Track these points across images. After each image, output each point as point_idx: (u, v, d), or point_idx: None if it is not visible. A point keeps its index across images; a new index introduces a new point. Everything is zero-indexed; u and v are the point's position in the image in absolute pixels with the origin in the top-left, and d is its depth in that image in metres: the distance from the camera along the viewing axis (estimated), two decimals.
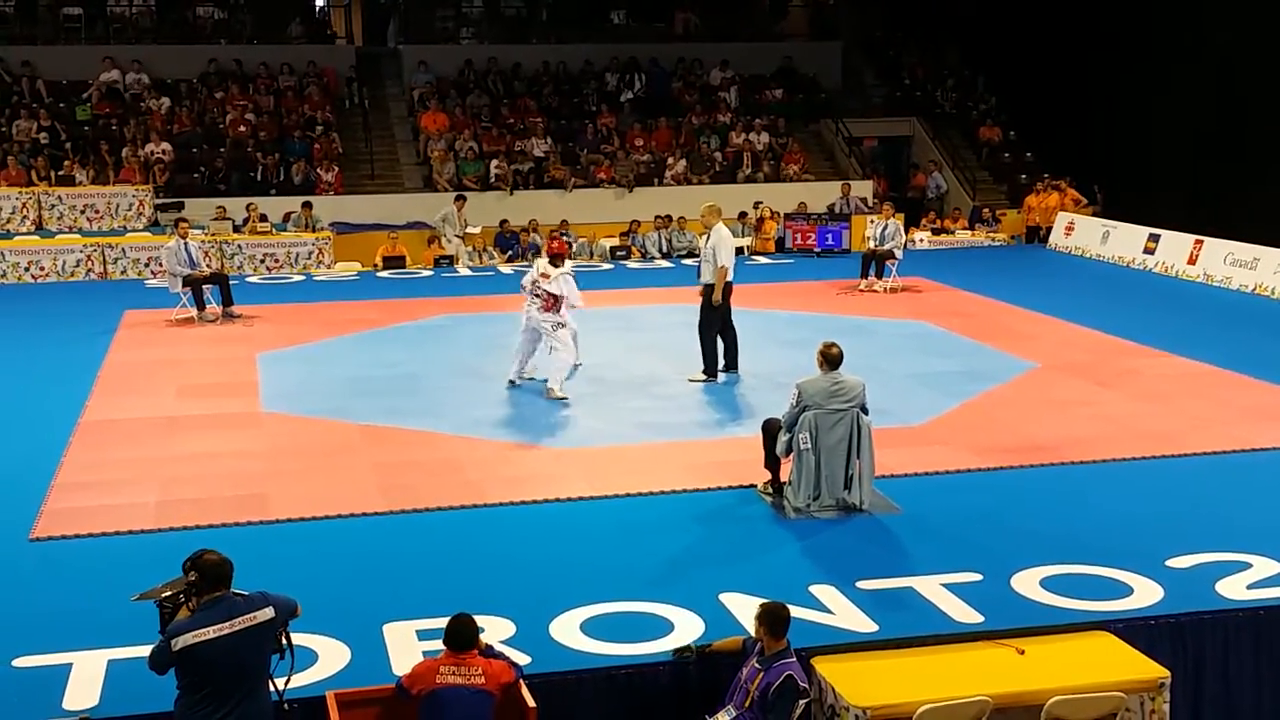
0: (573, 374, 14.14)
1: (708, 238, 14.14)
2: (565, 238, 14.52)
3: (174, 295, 18.45)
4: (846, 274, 21.37)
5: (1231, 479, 10.99)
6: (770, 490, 10.44)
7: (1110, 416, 12.91)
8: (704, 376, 14.26)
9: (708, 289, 14.09)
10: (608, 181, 26.17)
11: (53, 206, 23.36)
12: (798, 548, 9.50)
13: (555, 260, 13.85)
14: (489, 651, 6.99)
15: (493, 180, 25.68)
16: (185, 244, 18.36)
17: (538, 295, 13.65)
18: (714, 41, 30.58)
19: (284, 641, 6.45)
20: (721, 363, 14.38)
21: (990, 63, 30.82)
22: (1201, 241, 21.85)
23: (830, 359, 9.95)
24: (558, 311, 13.74)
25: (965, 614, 8.21)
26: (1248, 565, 8.91)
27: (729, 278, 14.07)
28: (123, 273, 22.45)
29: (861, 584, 8.70)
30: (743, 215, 25.31)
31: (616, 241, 24.49)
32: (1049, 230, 25.92)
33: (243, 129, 25.95)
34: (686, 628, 8.01)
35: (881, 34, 32.16)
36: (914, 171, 29.32)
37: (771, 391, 13.56)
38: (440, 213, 24.19)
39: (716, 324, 14.24)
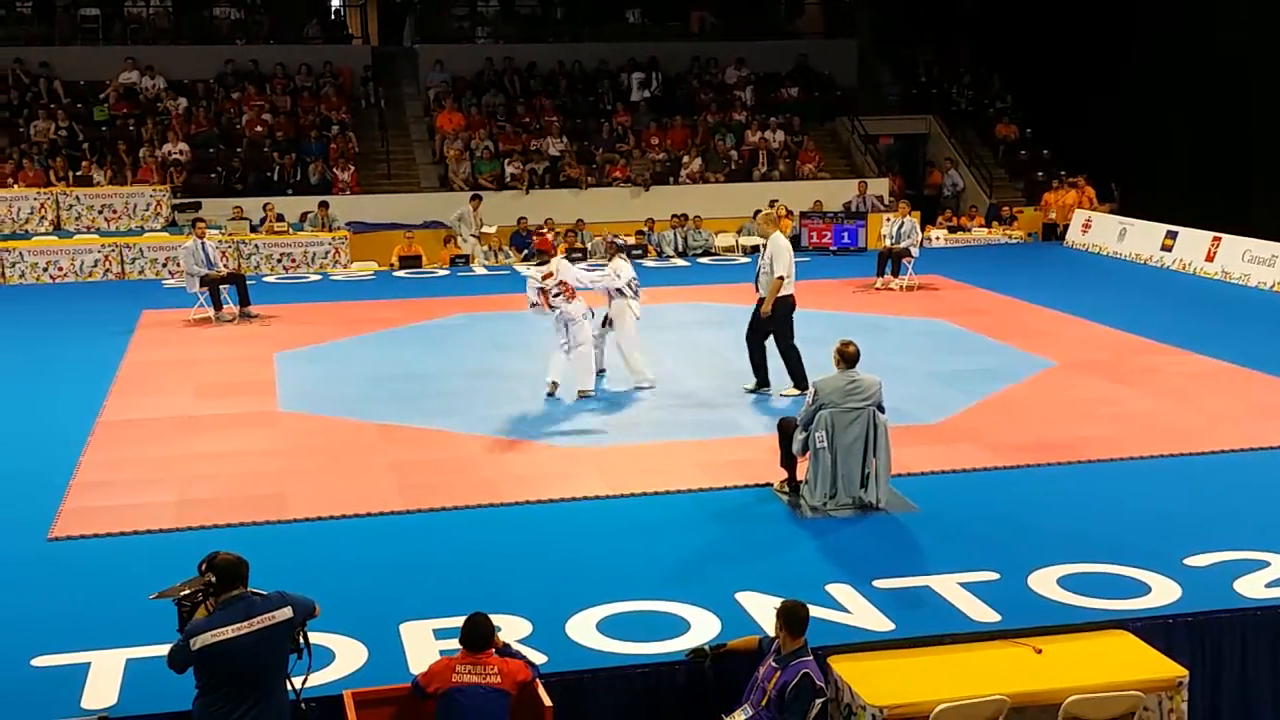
0: (599, 380, 14.16)
1: (764, 247, 13.67)
2: (546, 233, 14.60)
3: (191, 295, 18.52)
4: (863, 272, 21.35)
5: (1250, 477, 10.94)
6: (786, 489, 10.44)
7: (1128, 415, 12.86)
8: (796, 390, 13.39)
9: (776, 302, 13.46)
10: (623, 180, 26.19)
11: (70, 207, 23.47)
12: (814, 546, 9.50)
13: (542, 259, 13.57)
14: (505, 650, 7.00)
15: (508, 179, 25.70)
16: (202, 244, 18.43)
17: (559, 295, 13.43)
18: (729, 40, 30.57)
19: (302, 641, 6.47)
20: (754, 380, 13.77)
21: (1006, 60, 30.75)
22: (1219, 238, 21.76)
23: (847, 357, 9.94)
24: (577, 300, 13.55)
25: (982, 613, 8.19)
26: (1266, 564, 8.87)
27: (786, 291, 13.40)
28: (140, 273, 22.54)
29: (878, 583, 8.69)
30: (758, 214, 25.24)
31: (632, 240, 24.48)
32: (1066, 228, 25.85)
33: (259, 129, 26.03)
34: (703, 627, 8.01)
35: (897, 32, 32.08)
36: (930, 169, 29.28)
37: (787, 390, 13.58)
38: (456, 212, 24.23)
39: (784, 336, 13.58)
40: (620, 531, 9.86)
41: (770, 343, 13.76)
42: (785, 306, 13.55)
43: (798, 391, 13.39)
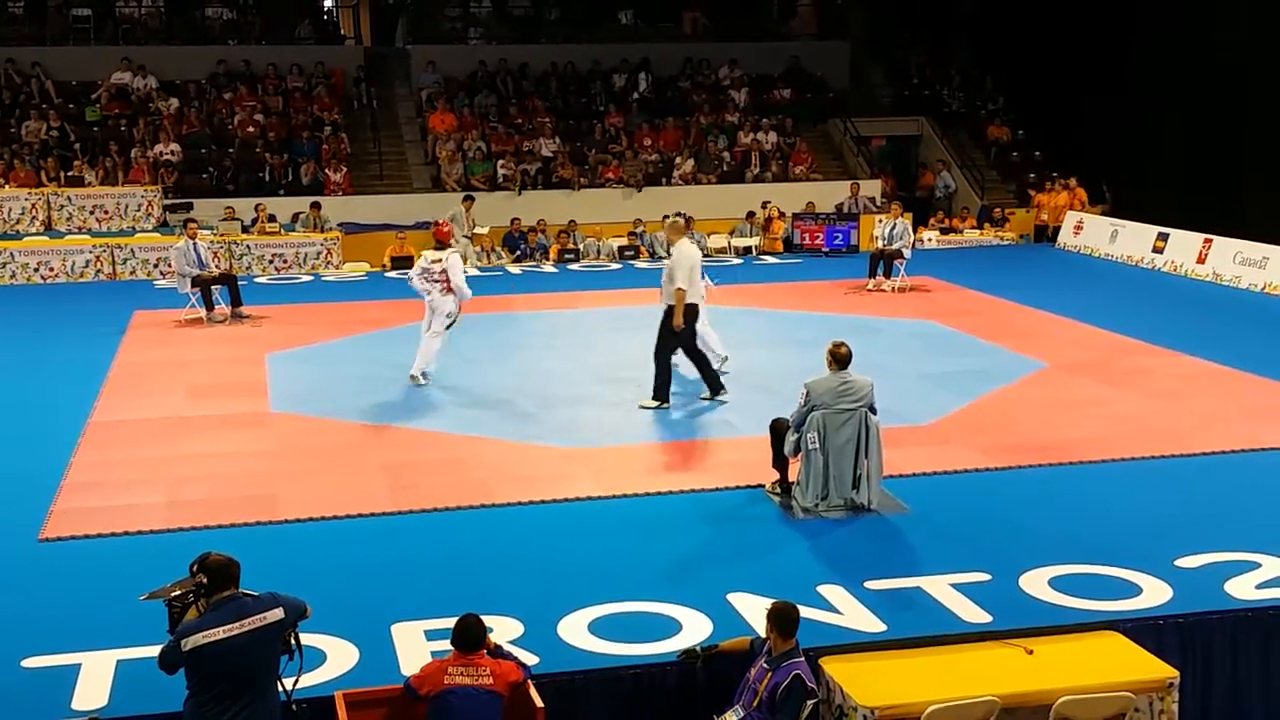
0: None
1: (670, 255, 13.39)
2: (444, 225, 15.31)
3: (183, 296, 18.49)
4: (854, 273, 21.36)
5: (1240, 478, 10.96)
6: (778, 490, 10.44)
7: (1119, 416, 12.89)
8: (654, 403, 13.33)
9: (668, 311, 13.18)
10: (616, 181, 26.19)
11: (62, 207, 23.43)
12: (806, 547, 9.50)
13: (440, 245, 14.70)
14: (497, 652, 7.00)
15: (501, 180, 25.69)
16: (194, 244, 18.39)
17: (436, 281, 14.21)
18: (722, 41, 30.58)
19: (293, 642, 6.46)
20: (707, 390, 13.50)
21: (998, 61, 30.80)
22: (1210, 240, 21.81)
23: (839, 358, 9.94)
24: (450, 295, 14.28)
25: (974, 614, 8.20)
26: (1257, 565, 8.89)
27: (691, 300, 13.07)
28: (132, 273, 22.49)
29: (870, 584, 8.69)
30: (750, 215, 25.32)
31: (624, 241, 24.49)
32: (1058, 229, 25.89)
33: (251, 129, 26.00)
34: (694, 628, 8.01)
35: (889, 33, 32.14)
36: (922, 171, 29.31)
37: (779, 391, 13.56)
38: (449, 213, 24.16)
39: (673, 348, 13.31)
40: (612, 532, 9.86)
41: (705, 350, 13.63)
42: (687, 315, 13.17)
43: (655, 404, 13.33)
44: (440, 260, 14.27)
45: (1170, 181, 25.25)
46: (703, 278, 13.80)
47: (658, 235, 24.59)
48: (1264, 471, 11.15)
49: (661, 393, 13.37)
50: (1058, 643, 7.69)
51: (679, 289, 13.01)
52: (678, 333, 13.14)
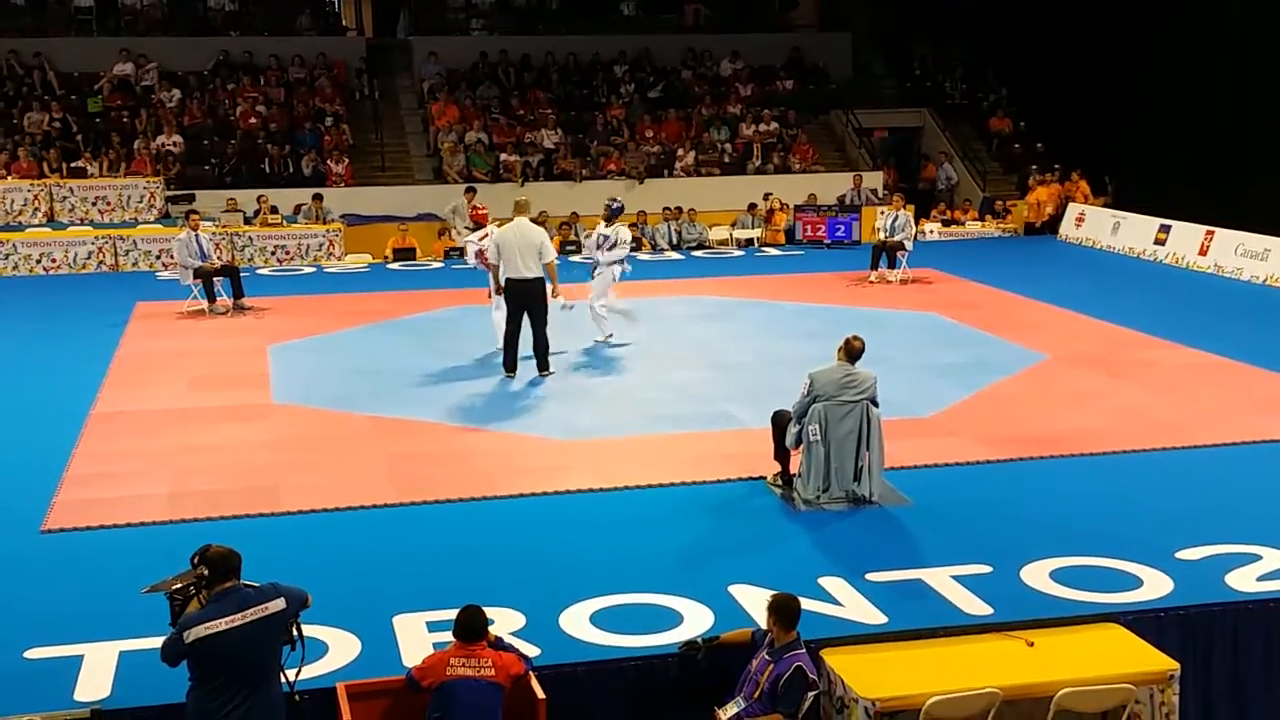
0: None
1: None
2: (483, 209, 16.79)
3: (185, 287, 18.50)
4: (857, 265, 21.36)
5: (1241, 471, 10.96)
6: (780, 482, 10.45)
7: (1120, 408, 12.89)
8: (536, 371, 14.44)
9: None
10: (617, 173, 26.17)
11: (64, 198, 23.42)
12: (807, 540, 9.51)
13: (478, 226, 16.53)
14: (498, 643, 7.01)
15: (503, 172, 25.68)
16: (196, 236, 18.41)
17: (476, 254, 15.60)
18: (724, 33, 30.55)
19: (295, 633, 6.47)
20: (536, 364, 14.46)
21: (1000, 53, 30.74)
22: (1212, 232, 21.80)
23: (851, 352, 9.95)
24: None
25: (975, 606, 8.21)
26: (1258, 557, 8.90)
27: (512, 275, 14.19)
28: (134, 265, 22.50)
29: (871, 576, 8.70)
30: (752, 207, 25.30)
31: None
32: (1045, 223, 25.83)
33: (253, 121, 25.99)
34: (696, 620, 8.02)
35: (891, 25, 32.09)
36: (924, 163, 29.29)
37: (780, 383, 13.56)
38: (450, 205, 24.15)
39: (510, 317, 14.44)
40: (614, 525, 9.87)
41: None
42: (518, 292, 14.28)
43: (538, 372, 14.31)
44: (486, 234, 15.55)
45: (1172, 174, 25.19)
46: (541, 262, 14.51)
47: (659, 228, 24.62)
48: (1265, 463, 11.15)
49: (539, 363, 14.40)
50: (1059, 635, 7.70)
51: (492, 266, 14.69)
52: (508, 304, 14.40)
